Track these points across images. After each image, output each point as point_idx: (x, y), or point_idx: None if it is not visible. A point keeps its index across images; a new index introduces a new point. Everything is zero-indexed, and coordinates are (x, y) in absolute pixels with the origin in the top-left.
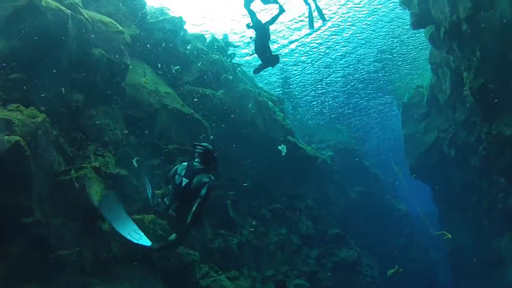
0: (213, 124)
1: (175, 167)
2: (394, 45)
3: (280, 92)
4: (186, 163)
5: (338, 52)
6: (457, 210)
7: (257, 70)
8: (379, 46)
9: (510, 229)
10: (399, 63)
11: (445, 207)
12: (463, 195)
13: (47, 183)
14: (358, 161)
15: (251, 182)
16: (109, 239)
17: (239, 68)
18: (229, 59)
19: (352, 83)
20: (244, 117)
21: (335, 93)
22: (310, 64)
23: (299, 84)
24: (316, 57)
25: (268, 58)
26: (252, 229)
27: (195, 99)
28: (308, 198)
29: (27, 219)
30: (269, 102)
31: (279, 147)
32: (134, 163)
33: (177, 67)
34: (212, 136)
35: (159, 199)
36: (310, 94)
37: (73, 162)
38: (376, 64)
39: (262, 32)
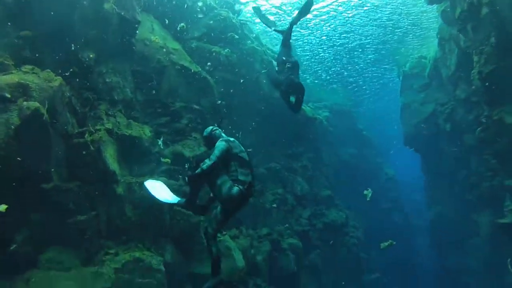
0: (219, 81)
1: (227, 141)
2: (401, 13)
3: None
4: (232, 138)
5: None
6: (444, 182)
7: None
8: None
9: (491, 206)
10: (404, 31)
11: (432, 177)
12: (452, 169)
13: (63, 147)
14: (352, 123)
15: (250, 140)
16: (123, 202)
17: (245, 25)
18: (236, 15)
19: (353, 44)
20: (250, 76)
21: (335, 54)
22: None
23: (300, 45)
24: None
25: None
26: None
27: (201, 55)
28: (303, 158)
29: (46, 185)
30: (274, 61)
31: (365, 192)
32: (160, 144)
33: (182, 24)
34: (219, 101)
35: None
36: (309, 54)
37: (85, 123)
38: (381, 26)
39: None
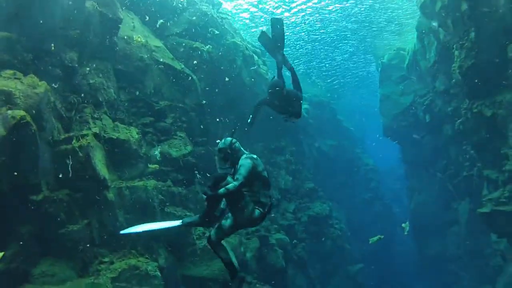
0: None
1: (252, 159)
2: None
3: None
4: (255, 155)
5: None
6: (424, 172)
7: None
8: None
9: (470, 195)
10: (383, 23)
11: (412, 167)
12: (432, 159)
13: (49, 154)
14: (332, 115)
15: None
16: (115, 208)
17: (226, 20)
18: (216, 9)
19: (333, 37)
20: (231, 71)
21: (314, 48)
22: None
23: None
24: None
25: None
26: None
27: (183, 52)
28: (286, 152)
29: (36, 197)
30: (254, 56)
31: (403, 225)
32: (157, 154)
33: (161, 20)
34: (203, 101)
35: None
36: (287, 49)
37: (71, 128)
38: (358, 21)
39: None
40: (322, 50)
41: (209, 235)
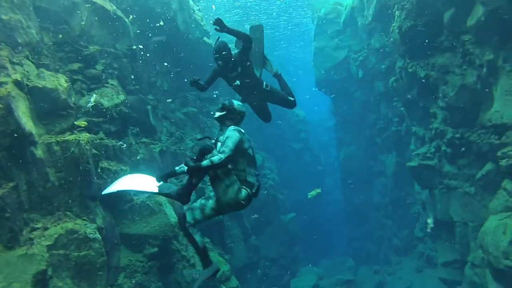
0: (135, 22)
1: (240, 132)
2: None
3: None
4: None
5: None
6: (354, 125)
7: None
8: None
9: (396, 149)
10: None
11: (342, 120)
12: (362, 113)
13: None
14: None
15: (168, 84)
16: (44, 166)
17: None
18: None
19: None
20: (166, 15)
21: None
22: None
23: None
24: None
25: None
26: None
27: None
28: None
29: None
30: (190, 1)
31: (428, 221)
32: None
33: None
34: (135, 46)
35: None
36: None
37: None
38: None
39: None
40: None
41: (181, 215)
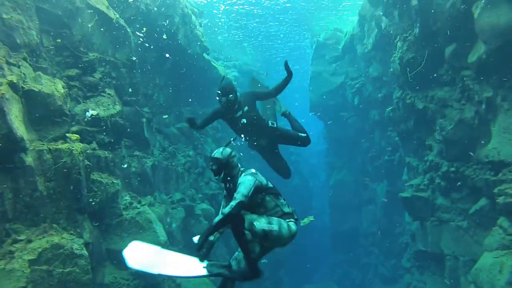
0: (137, 33)
1: (253, 175)
2: None
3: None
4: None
5: None
6: (346, 151)
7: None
8: None
9: (388, 178)
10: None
11: (335, 145)
12: (355, 140)
13: None
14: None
15: (164, 98)
16: (34, 174)
17: None
18: None
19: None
20: (168, 28)
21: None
22: None
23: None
24: None
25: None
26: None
27: (120, 1)
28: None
29: None
30: (193, 16)
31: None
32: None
33: None
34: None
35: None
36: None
37: None
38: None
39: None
40: (257, 19)
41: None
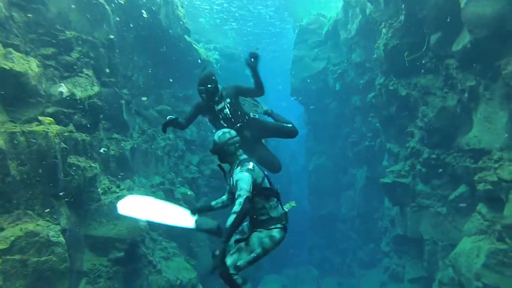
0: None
1: (250, 171)
2: None
3: None
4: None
5: None
6: (326, 136)
7: None
8: None
9: (367, 163)
10: None
11: (315, 130)
12: (335, 125)
13: None
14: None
15: (144, 79)
16: (5, 158)
17: None
18: None
19: None
20: (150, 6)
21: None
22: None
23: None
24: None
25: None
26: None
27: None
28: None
29: None
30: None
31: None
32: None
33: None
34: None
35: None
36: None
37: None
38: None
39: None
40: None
41: (219, 260)
